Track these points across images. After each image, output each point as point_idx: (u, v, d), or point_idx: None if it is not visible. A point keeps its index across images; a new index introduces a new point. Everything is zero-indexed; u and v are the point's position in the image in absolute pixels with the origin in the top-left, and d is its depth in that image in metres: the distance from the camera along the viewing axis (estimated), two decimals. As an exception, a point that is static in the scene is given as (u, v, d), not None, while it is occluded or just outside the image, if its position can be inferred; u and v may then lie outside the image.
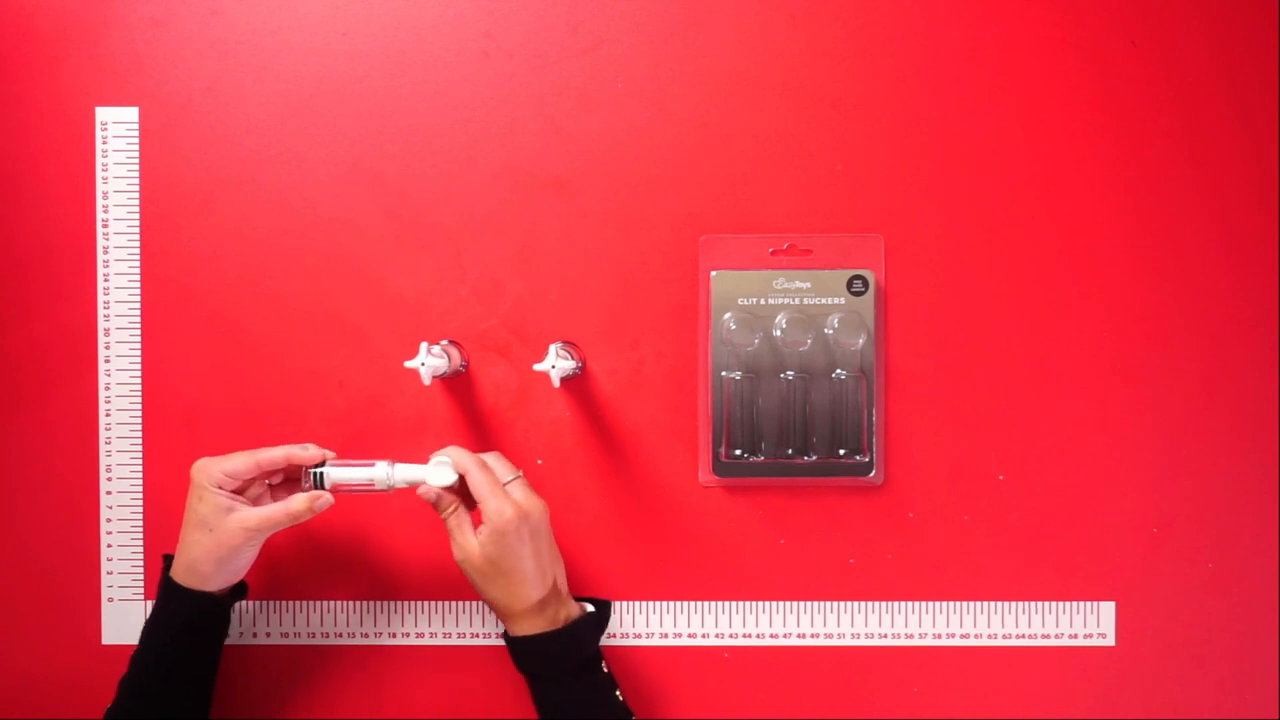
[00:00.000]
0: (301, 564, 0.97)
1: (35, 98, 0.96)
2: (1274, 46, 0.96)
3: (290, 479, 0.89)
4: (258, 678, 0.96)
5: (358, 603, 0.97)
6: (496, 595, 0.85)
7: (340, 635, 0.97)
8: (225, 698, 0.95)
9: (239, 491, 0.86)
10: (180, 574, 0.86)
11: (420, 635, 0.97)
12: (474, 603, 0.97)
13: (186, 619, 0.86)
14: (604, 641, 0.93)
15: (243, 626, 0.96)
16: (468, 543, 0.85)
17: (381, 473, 0.87)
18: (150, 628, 0.87)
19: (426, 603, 0.97)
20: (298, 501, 0.85)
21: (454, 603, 0.97)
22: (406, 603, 0.97)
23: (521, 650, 0.86)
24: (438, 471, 0.87)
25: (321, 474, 0.87)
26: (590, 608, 0.89)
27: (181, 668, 0.86)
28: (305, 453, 0.87)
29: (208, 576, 0.85)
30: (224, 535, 0.84)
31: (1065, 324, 0.96)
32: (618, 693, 0.88)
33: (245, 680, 0.96)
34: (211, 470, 0.85)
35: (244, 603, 0.96)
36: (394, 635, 0.97)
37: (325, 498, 0.86)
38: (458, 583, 0.96)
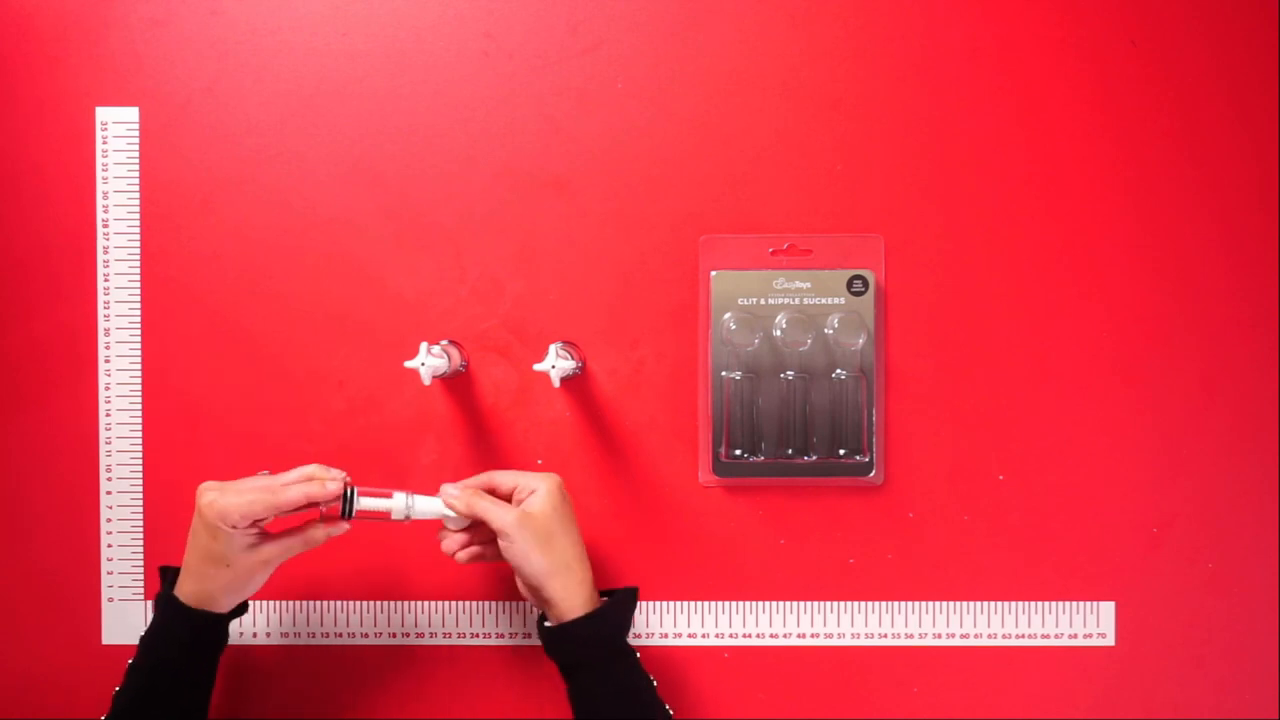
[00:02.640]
0: (303, 564, 0.97)
1: (35, 98, 0.96)
2: (1274, 46, 0.96)
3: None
4: (258, 678, 0.96)
5: (358, 603, 0.97)
6: (550, 561, 0.84)
7: (340, 635, 0.97)
8: (226, 698, 0.95)
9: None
10: (189, 599, 0.84)
11: (421, 635, 0.97)
12: (475, 603, 0.97)
13: (189, 637, 0.85)
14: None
15: (243, 627, 0.96)
16: (506, 514, 0.85)
17: (400, 503, 0.87)
18: (150, 642, 0.85)
19: (428, 603, 0.97)
20: (316, 533, 0.86)
21: (456, 603, 0.97)
22: (408, 603, 0.97)
23: (568, 635, 0.85)
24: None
25: (352, 502, 0.85)
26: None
27: (181, 682, 0.85)
28: (323, 490, 0.83)
29: (221, 604, 0.85)
30: (243, 569, 0.84)
31: (1065, 324, 0.96)
32: (653, 682, 0.87)
33: (245, 680, 0.96)
34: (229, 513, 0.81)
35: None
36: (394, 635, 0.97)
37: (343, 527, 0.86)
38: (459, 583, 0.97)
